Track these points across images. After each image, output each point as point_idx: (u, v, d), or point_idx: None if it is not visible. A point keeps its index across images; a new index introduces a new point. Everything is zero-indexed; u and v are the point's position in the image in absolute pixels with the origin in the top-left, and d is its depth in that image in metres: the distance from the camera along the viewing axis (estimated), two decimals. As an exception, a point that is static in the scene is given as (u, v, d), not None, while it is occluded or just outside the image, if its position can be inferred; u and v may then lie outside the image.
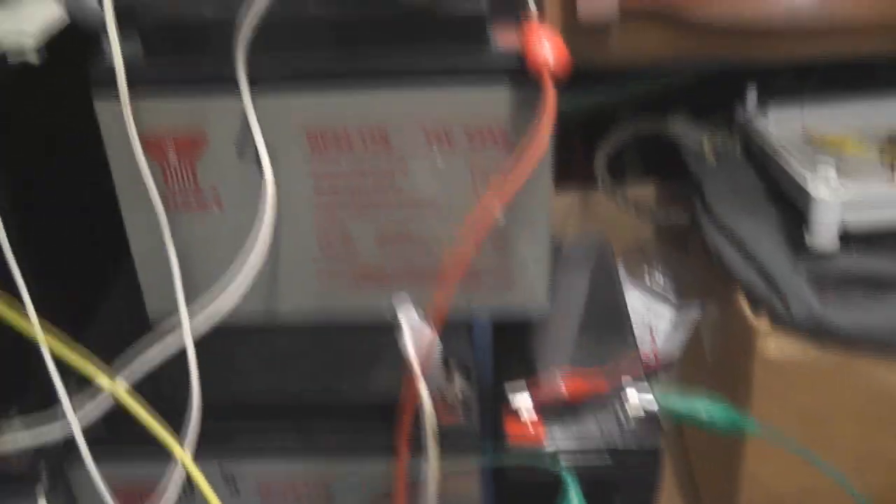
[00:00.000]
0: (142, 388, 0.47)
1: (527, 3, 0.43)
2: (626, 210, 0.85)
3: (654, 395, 0.50)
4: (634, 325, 0.60)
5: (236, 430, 0.51)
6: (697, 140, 0.79)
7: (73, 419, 0.46)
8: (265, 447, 0.52)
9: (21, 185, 0.50)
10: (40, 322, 0.46)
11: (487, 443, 0.50)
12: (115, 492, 0.48)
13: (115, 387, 0.46)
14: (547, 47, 0.39)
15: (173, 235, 0.47)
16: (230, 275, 0.45)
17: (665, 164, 0.84)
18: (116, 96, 0.45)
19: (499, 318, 0.51)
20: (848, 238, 0.62)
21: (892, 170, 0.68)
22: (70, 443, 0.47)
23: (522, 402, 0.50)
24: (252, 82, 0.43)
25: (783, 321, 0.62)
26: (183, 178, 0.47)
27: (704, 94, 0.82)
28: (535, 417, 0.49)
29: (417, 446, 0.47)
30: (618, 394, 0.51)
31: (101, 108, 0.46)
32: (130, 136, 0.45)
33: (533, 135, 0.39)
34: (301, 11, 0.43)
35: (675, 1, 0.69)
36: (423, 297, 0.47)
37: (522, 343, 0.56)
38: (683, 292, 0.82)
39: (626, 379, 0.52)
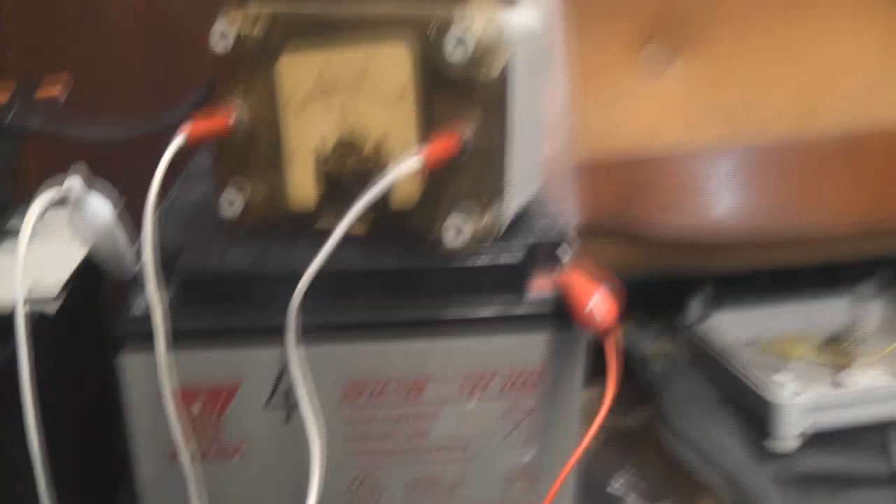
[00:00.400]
0: None
1: (563, 253, 0.46)
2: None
3: None
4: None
5: None
6: (645, 345, 0.83)
7: None
8: None
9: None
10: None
11: None
12: None
13: None
14: (599, 301, 0.41)
15: (194, 487, 0.45)
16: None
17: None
18: (144, 349, 0.44)
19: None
20: (805, 438, 0.66)
21: (836, 370, 0.73)
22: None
23: None
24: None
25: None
26: (207, 427, 0.46)
27: (648, 299, 0.87)
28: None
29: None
30: None
31: (127, 360, 0.44)
32: (162, 391, 0.43)
33: (606, 393, 0.40)
34: (346, 264, 0.43)
35: (634, 218, 0.74)
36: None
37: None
38: (644, 496, 0.83)
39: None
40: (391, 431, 0.46)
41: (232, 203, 0.49)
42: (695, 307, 0.81)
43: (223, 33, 0.46)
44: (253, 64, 0.46)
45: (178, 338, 0.44)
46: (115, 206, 0.43)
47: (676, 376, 0.79)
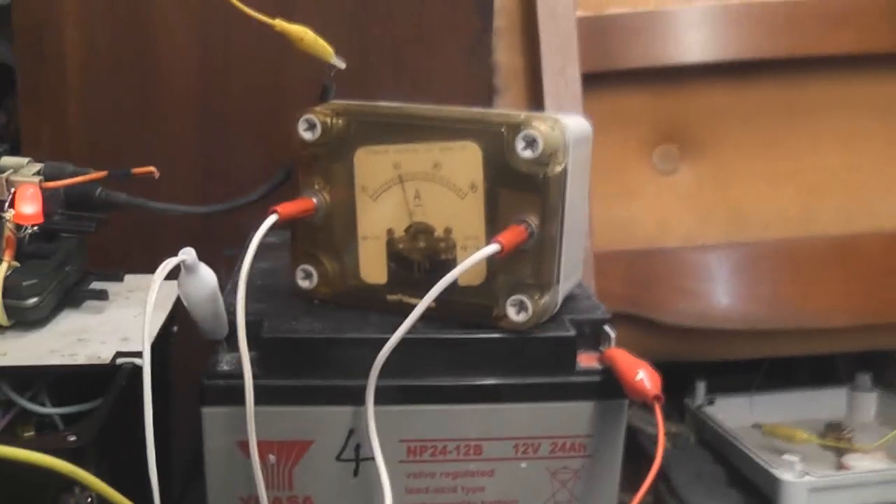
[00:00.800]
0: None
1: (608, 331, 0.51)
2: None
3: None
4: None
5: None
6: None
7: None
8: None
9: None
10: None
11: None
12: None
13: None
14: (646, 373, 0.47)
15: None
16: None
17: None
18: (226, 403, 0.48)
19: None
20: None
21: (838, 454, 0.79)
22: None
23: None
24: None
25: None
26: (280, 478, 0.50)
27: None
28: None
29: None
30: None
31: (209, 414, 0.49)
32: (251, 446, 0.48)
33: (657, 454, 0.45)
34: (415, 333, 0.48)
35: (647, 305, 0.80)
36: None
37: None
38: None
39: None
40: (450, 486, 0.51)
41: (308, 275, 0.54)
42: (701, 391, 0.86)
43: (311, 123, 0.52)
44: (334, 152, 0.52)
45: (260, 394, 0.48)
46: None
47: (685, 455, 0.84)
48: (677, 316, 0.81)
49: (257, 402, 0.47)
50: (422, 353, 0.50)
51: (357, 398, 0.48)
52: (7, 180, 0.58)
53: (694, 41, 0.82)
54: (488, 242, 0.47)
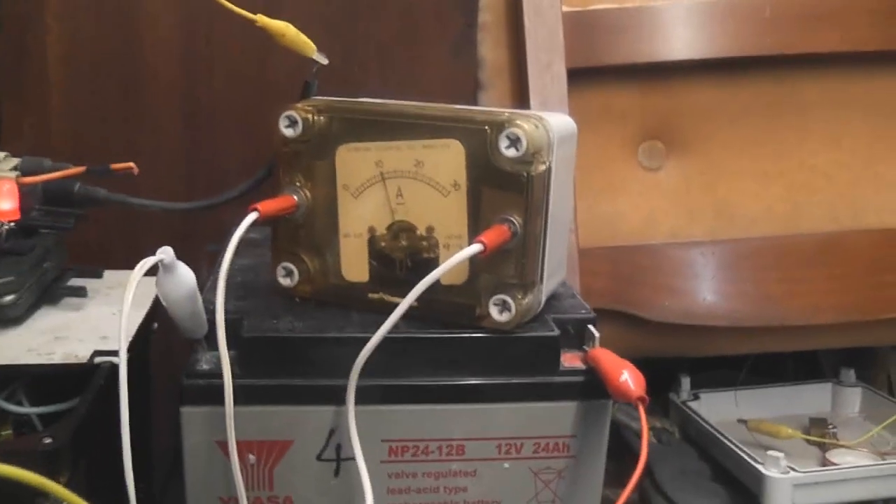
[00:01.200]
0: None
1: (592, 331, 0.51)
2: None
3: None
4: None
5: None
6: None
7: None
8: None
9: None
10: None
11: None
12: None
13: None
14: (630, 373, 0.46)
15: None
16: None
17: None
18: (206, 402, 0.48)
19: None
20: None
21: (822, 450, 0.79)
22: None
23: None
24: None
25: None
26: (259, 477, 0.50)
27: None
28: None
29: None
30: None
31: (188, 414, 0.49)
32: (230, 445, 0.47)
33: (637, 456, 0.45)
34: (396, 332, 0.48)
35: (633, 301, 0.80)
36: None
37: None
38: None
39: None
40: (432, 486, 0.51)
41: (289, 273, 0.54)
42: (686, 386, 0.86)
43: (292, 120, 0.52)
44: (316, 149, 0.52)
45: (240, 394, 0.48)
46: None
47: (669, 451, 0.84)
48: (662, 312, 0.81)
49: (237, 401, 0.47)
50: (404, 353, 0.49)
51: (338, 398, 0.48)
52: (-17, 176, 0.57)
53: (680, 38, 0.82)
54: (471, 242, 0.46)
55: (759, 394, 0.86)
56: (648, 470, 0.82)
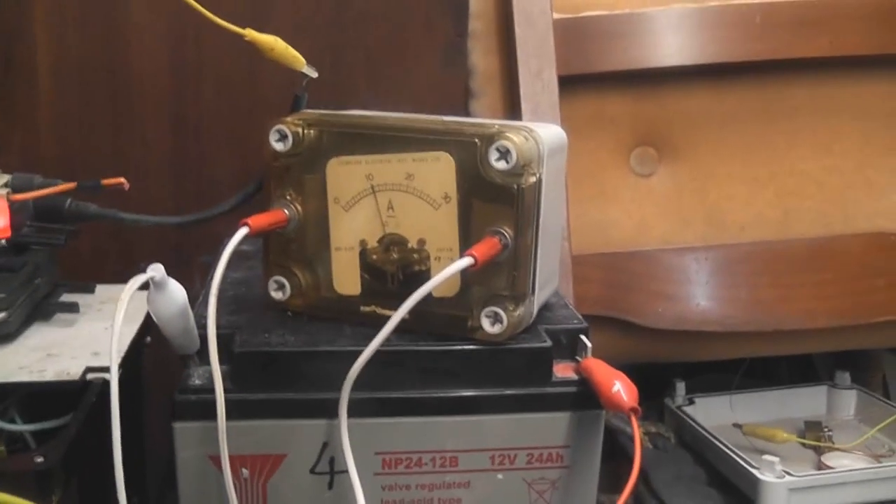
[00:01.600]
0: None
1: (585, 341, 0.51)
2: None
3: None
4: None
5: None
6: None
7: None
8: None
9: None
10: None
11: None
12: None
13: None
14: (622, 383, 0.47)
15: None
16: None
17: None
18: (198, 417, 0.48)
19: None
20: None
21: (818, 453, 0.79)
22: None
23: None
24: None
25: None
26: (253, 493, 0.50)
27: (636, 383, 0.92)
28: None
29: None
30: None
31: (181, 429, 0.48)
32: (223, 460, 0.47)
33: (632, 465, 0.45)
34: (388, 345, 0.48)
35: (626, 307, 0.80)
36: None
37: None
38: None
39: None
40: (426, 498, 0.51)
41: (281, 287, 0.54)
42: (680, 391, 0.86)
43: (283, 134, 0.52)
44: (307, 163, 0.52)
45: (232, 409, 0.48)
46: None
47: (665, 456, 0.84)
48: (656, 318, 0.81)
49: (229, 416, 0.47)
50: (396, 365, 0.49)
51: (331, 411, 0.48)
52: (-26, 193, 0.57)
53: (672, 44, 0.82)
54: (462, 254, 0.46)
55: (754, 398, 0.86)
56: (644, 475, 0.82)
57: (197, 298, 0.53)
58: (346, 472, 0.48)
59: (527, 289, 0.49)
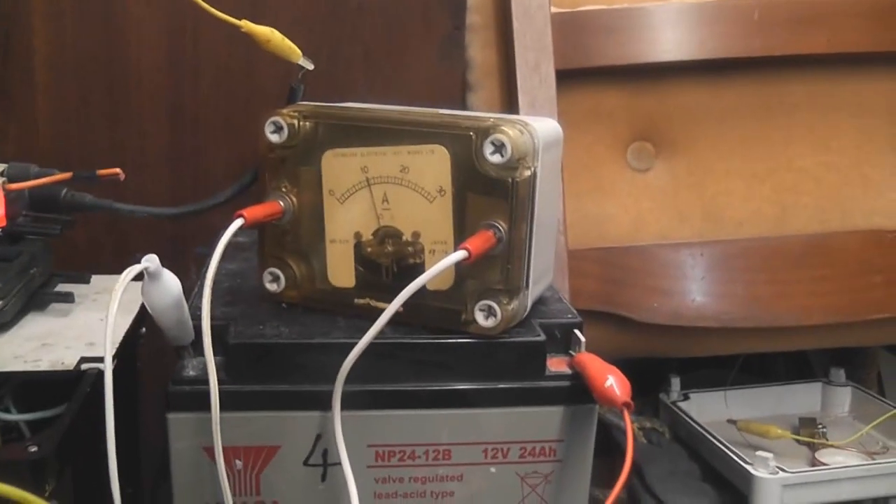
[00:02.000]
0: None
1: (579, 335, 0.51)
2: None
3: None
4: None
5: None
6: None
7: None
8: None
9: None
10: None
11: None
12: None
13: None
14: (616, 378, 0.47)
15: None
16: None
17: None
18: (192, 409, 0.48)
19: None
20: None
21: (812, 449, 0.79)
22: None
23: None
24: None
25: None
26: (246, 484, 0.50)
27: (631, 378, 0.92)
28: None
29: None
30: None
31: (175, 420, 0.49)
32: (216, 451, 0.47)
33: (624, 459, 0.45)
34: (382, 338, 0.48)
35: (622, 302, 0.80)
36: None
37: None
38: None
39: None
40: (419, 491, 0.51)
41: (275, 279, 0.54)
42: (675, 386, 0.86)
43: (278, 126, 0.52)
44: (302, 155, 0.52)
45: (226, 400, 0.48)
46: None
47: (659, 451, 0.84)
48: (652, 314, 0.81)
49: (223, 407, 0.47)
50: (390, 358, 0.49)
51: (324, 403, 0.48)
52: (-30, 182, 0.57)
53: (669, 39, 0.82)
54: (456, 247, 0.46)
55: (749, 394, 0.86)
56: (638, 470, 0.82)
57: (192, 290, 0.53)
58: (339, 464, 0.48)
59: (521, 282, 0.49)
